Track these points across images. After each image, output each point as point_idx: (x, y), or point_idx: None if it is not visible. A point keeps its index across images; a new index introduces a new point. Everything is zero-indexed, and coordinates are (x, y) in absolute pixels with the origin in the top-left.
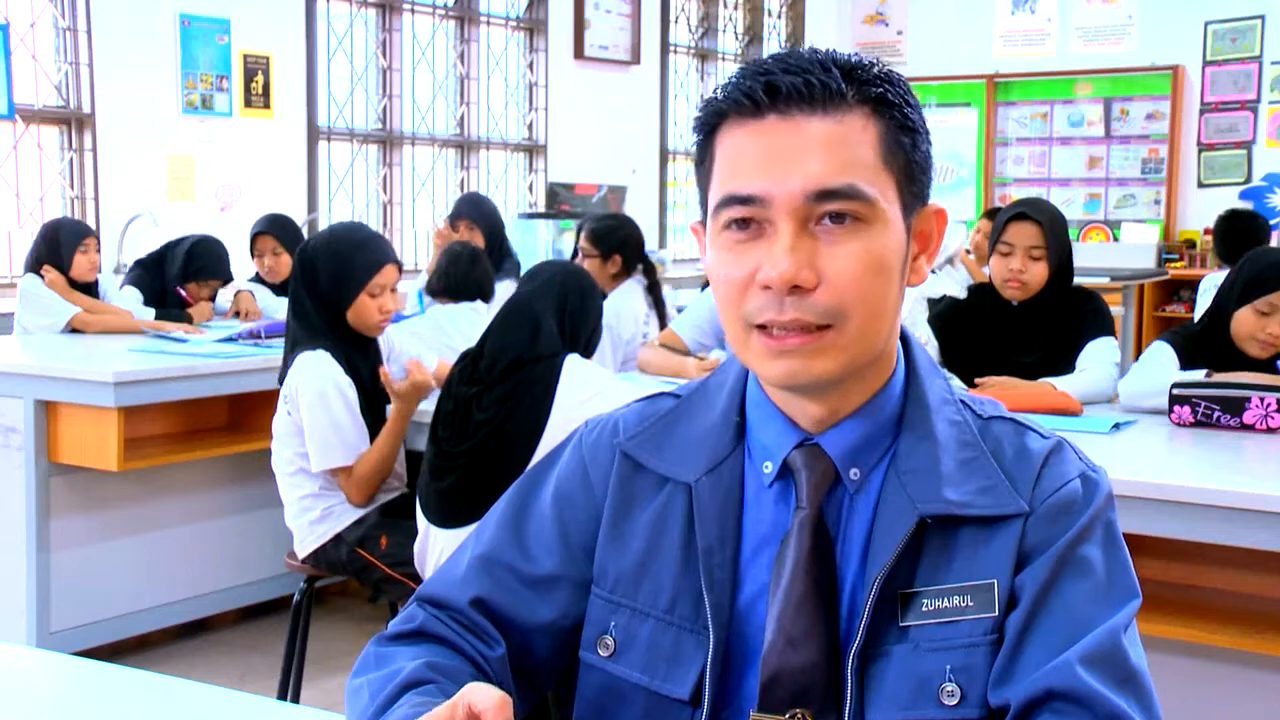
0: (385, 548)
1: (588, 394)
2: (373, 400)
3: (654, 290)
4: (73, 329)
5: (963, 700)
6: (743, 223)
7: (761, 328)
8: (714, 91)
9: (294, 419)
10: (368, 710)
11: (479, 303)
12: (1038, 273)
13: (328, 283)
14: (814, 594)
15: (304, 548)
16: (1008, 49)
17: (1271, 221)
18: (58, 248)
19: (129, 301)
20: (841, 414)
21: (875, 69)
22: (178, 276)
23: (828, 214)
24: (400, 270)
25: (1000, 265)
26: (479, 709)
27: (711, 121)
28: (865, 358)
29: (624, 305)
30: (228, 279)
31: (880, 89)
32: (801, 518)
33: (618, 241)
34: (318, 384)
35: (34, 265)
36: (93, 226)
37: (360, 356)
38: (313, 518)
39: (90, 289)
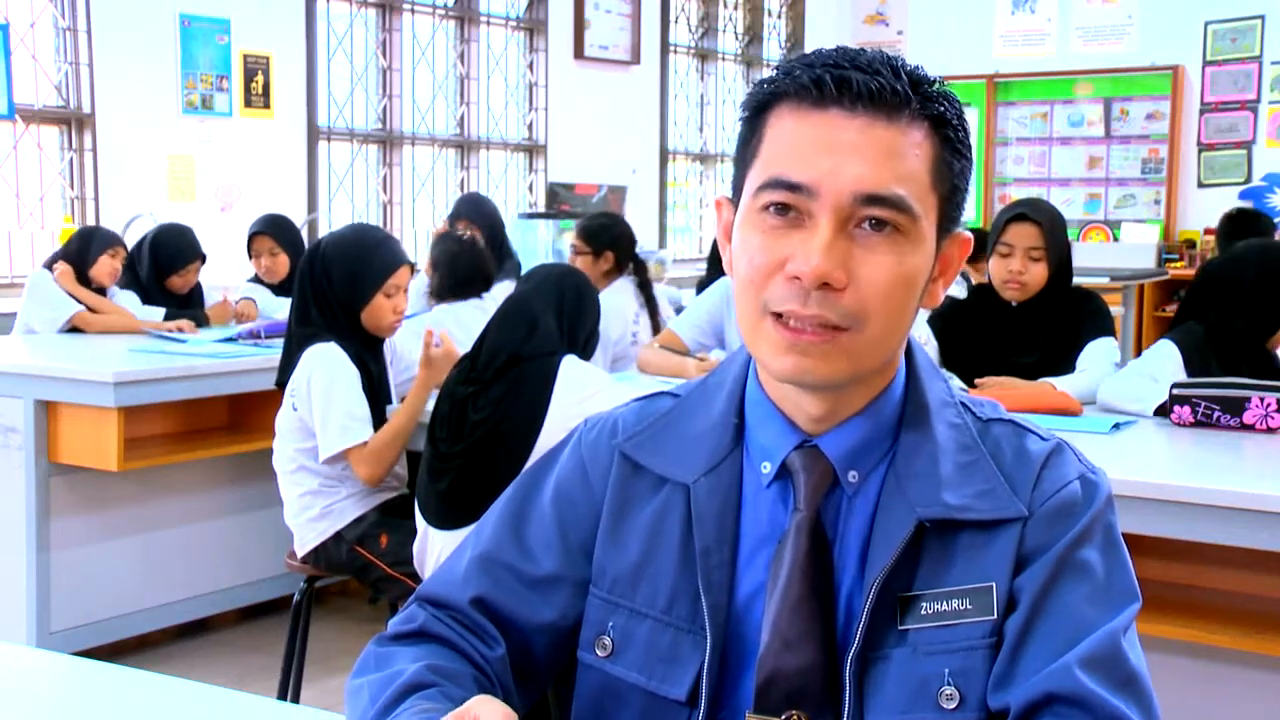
0: (385, 546)
1: (584, 394)
2: (377, 401)
3: (645, 289)
4: (73, 327)
5: (961, 703)
6: (782, 208)
7: (778, 316)
8: (774, 71)
9: (299, 414)
10: (369, 713)
11: (483, 300)
12: (1037, 274)
13: (343, 283)
14: (810, 596)
15: (304, 546)
16: (1008, 49)
17: (1271, 221)
18: (88, 246)
19: (130, 303)
20: (841, 415)
21: (936, 85)
22: (154, 277)
23: (870, 219)
24: (413, 271)
25: (1000, 266)
26: None
27: (765, 101)
28: (873, 366)
29: (613, 304)
30: (201, 256)
31: (942, 107)
32: (799, 519)
33: (610, 239)
34: (330, 371)
35: (50, 261)
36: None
37: (370, 357)
38: (312, 515)
39: (100, 293)
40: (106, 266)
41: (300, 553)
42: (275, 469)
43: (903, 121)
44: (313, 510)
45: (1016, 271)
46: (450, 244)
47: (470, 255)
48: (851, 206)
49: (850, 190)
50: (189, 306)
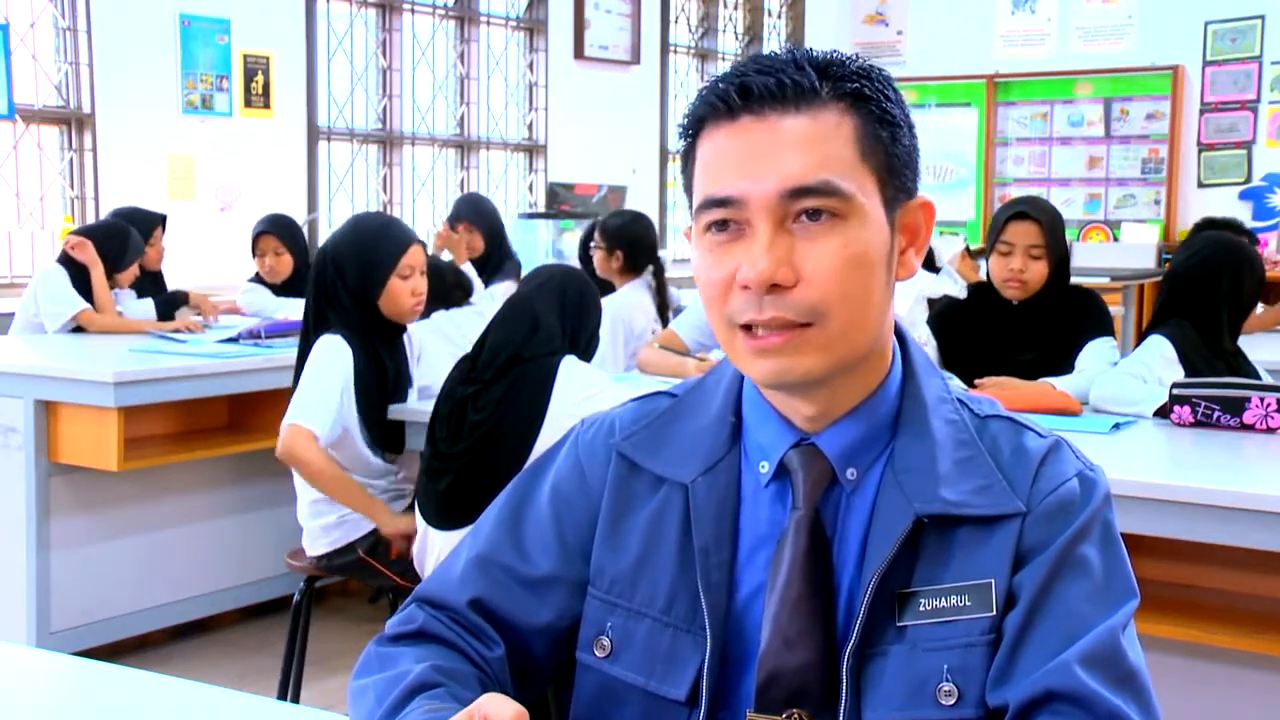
0: (394, 557)
1: (583, 395)
2: (389, 394)
3: (661, 294)
4: (78, 325)
5: (960, 700)
6: (722, 224)
7: (745, 328)
8: (695, 96)
9: None
10: (375, 713)
11: (481, 304)
12: (1038, 272)
13: (356, 273)
14: (810, 594)
15: (313, 548)
16: (1008, 49)
17: (1271, 221)
18: (124, 249)
19: (129, 302)
20: (836, 413)
21: (853, 64)
22: (140, 252)
23: (804, 211)
24: (425, 251)
25: (1000, 265)
26: None
27: (692, 127)
28: (853, 354)
29: (635, 300)
30: (161, 220)
31: (856, 84)
32: (798, 518)
33: (626, 238)
34: (328, 358)
35: (75, 232)
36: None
37: (386, 350)
38: (328, 522)
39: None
40: (131, 272)
41: (309, 552)
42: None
43: (814, 109)
44: (329, 517)
45: (1017, 270)
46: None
47: (436, 277)
48: (782, 204)
49: (775, 190)
50: (160, 293)
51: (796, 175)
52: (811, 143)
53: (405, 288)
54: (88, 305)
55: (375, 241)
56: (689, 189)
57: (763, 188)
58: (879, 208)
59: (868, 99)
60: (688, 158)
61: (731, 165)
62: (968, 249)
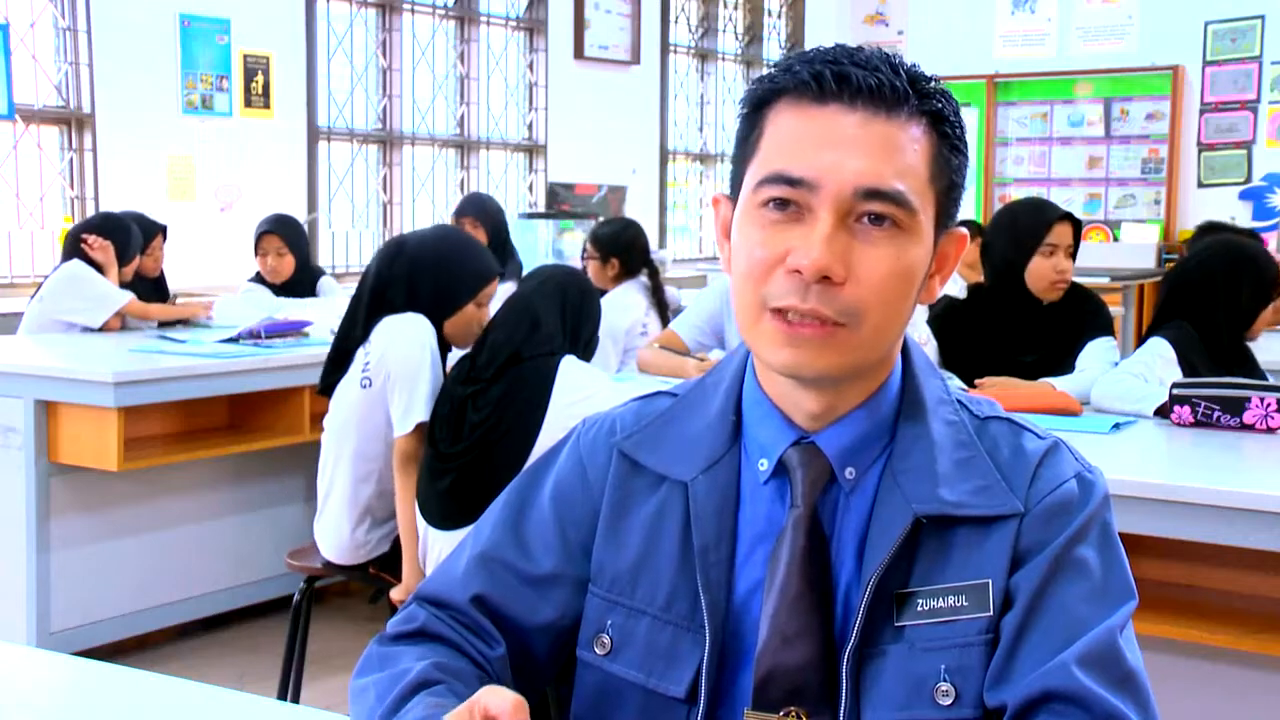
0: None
1: (584, 394)
2: None
3: (657, 293)
4: (117, 315)
5: (957, 700)
6: (782, 203)
7: (777, 311)
8: (771, 69)
9: (374, 389)
10: (376, 711)
11: None
12: (1071, 272)
13: (433, 289)
14: (808, 593)
15: (328, 553)
16: (1008, 49)
17: (1271, 221)
18: (127, 243)
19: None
20: (838, 412)
21: (932, 82)
22: (140, 249)
23: (870, 214)
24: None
25: (1047, 266)
26: (495, 713)
27: (766, 98)
28: (870, 360)
29: (621, 300)
30: (162, 230)
31: (939, 104)
32: (796, 516)
33: (620, 246)
34: (423, 340)
35: (79, 230)
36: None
37: None
38: (357, 539)
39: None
40: (130, 268)
41: (324, 553)
42: (330, 471)
43: (901, 117)
44: (358, 533)
45: (1063, 270)
46: None
47: None
48: (852, 200)
49: (851, 184)
50: (161, 293)
51: (874, 176)
52: (894, 150)
53: (477, 315)
54: (132, 296)
55: (468, 262)
56: (744, 158)
57: (839, 179)
58: (931, 229)
59: (946, 120)
60: (751, 127)
61: (810, 147)
62: (980, 233)
